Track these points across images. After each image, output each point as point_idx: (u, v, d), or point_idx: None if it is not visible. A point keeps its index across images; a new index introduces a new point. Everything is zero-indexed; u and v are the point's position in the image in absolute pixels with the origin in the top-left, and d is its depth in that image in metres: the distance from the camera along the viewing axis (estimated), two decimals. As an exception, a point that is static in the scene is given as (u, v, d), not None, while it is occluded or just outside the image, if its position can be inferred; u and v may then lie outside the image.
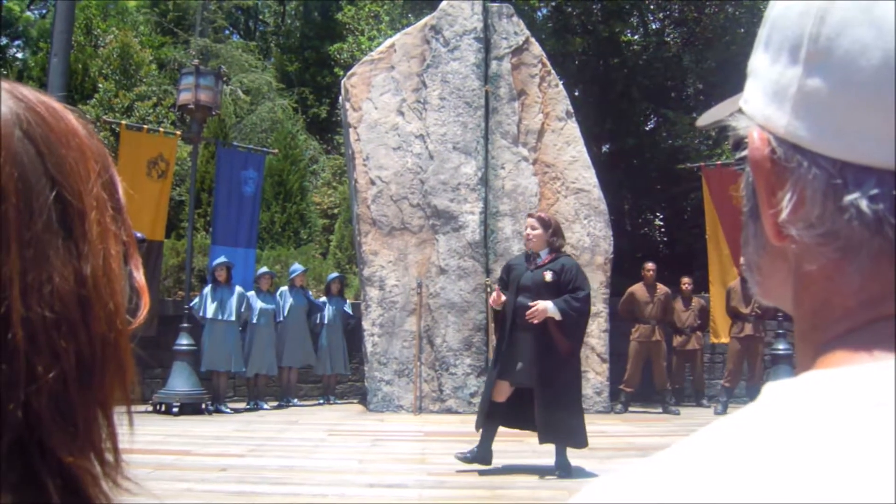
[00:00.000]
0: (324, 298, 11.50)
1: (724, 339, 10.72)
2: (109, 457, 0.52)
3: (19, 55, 25.23)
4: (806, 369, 0.44)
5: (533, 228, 5.83)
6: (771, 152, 0.45)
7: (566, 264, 5.74)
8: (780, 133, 0.44)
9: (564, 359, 5.58)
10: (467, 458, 5.85)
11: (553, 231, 5.81)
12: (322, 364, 11.24)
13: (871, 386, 0.39)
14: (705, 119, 0.52)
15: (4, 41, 24.78)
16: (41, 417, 0.47)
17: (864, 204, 0.40)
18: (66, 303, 0.49)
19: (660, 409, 10.45)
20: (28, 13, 27.09)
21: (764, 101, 0.45)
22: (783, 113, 0.44)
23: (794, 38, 0.43)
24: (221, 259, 10.50)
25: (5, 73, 16.21)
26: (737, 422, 0.41)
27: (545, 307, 5.50)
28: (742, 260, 0.52)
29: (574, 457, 5.75)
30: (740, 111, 0.48)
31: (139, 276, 0.60)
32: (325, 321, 11.25)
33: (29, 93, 0.53)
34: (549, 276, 5.65)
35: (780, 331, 10.27)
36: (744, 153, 0.47)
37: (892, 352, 0.40)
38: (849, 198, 0.41)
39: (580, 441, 5.66)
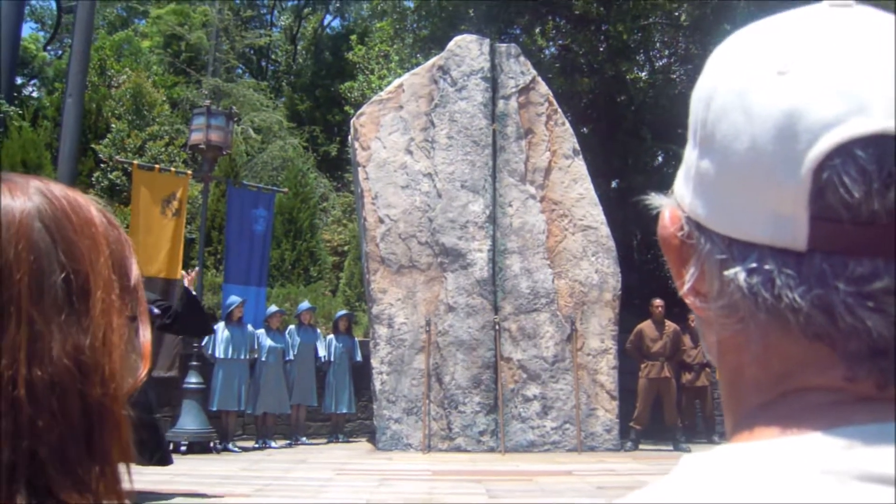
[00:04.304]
0: (332, 336, 11.46)
1: None
2: (107, 501, 0.59)
3: (35, 94, 25.65)
4: (728, 438, 0.46)
5: None
6: (679, 229, 0.48)
7: None
8: (686, 211, 0.48)
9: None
10: None
11: None
12: (328, 402, 11.19)
13: (784, 461, 0.40)
14: (652, 199, 0.56)
15: (20, 80, 25.18)
16: (45, 464, 0.55)
17: (741, 277, 0.43)
18: (62, 369, 0.57)
19: (670, 447, 10.36)
20: (44, 53, 27.58)
21: (680, 182, 0.50)
22: (688, 192, 0.48)
23: (694, 123, 0.48)
24: (238, 298, 10.53)
25: (21, 112, 16.50)
26: (653, 494, 0.42)
27: None
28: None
29: (585, 496, 5.70)
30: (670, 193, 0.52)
31: (143, 343, 0.68)
32: (332, 359, 11.22)
33: (57, 189, 0.63)
34: None
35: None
36: None
37: (801, 427, 0.42)
38: (728, 272, 0.44)
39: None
